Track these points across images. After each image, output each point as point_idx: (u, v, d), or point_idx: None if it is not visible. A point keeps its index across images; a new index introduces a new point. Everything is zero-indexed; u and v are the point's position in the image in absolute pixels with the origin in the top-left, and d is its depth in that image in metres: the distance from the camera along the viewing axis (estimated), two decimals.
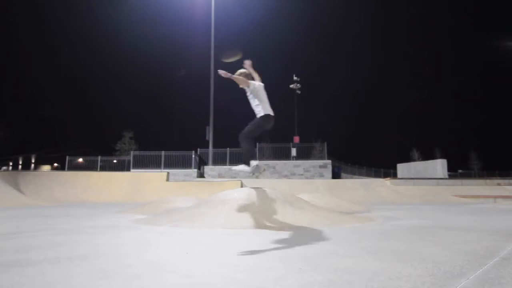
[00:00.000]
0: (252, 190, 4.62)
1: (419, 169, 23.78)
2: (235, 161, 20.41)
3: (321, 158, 21.97)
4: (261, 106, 4.24)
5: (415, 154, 45.05)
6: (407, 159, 40.86)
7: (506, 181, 16.40)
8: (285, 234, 3.25)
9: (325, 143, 21.95)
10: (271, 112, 4.31)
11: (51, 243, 2.76)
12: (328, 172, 19.30)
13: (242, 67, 4.52)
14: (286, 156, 20.72)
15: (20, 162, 53.57)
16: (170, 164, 20.36)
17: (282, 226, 3.74)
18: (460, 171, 42.12)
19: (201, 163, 20.80)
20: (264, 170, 4.46)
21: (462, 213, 6.23)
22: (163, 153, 20.90)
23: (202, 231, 3.49)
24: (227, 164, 20.34)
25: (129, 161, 21.94)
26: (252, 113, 4.35)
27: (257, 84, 4.40)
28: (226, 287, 1.49)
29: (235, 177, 18.43)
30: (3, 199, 9.41)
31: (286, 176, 19.24)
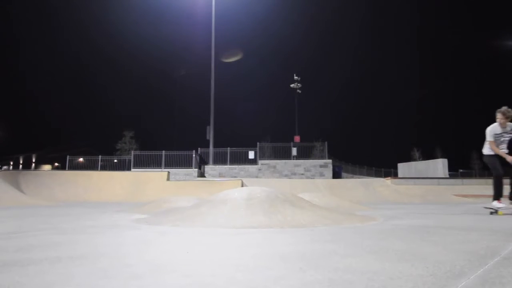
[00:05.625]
0: (253, 189, 4.62)
1: (420, 169, 23.75)
2: (236, 161, 20.44)
3: (322, 157, 21.96)
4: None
5: (416, 154, 45.05)
6: (408, 158, 40.88)
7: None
8: (285, 234, 3.25)
9: (326, 142, 21.94)
10: None
11: (51, 242, 2.76)
12: (329, 171, 19.30)
13: None
14: (286, 155, 20.71)
15: (21, 162, 53.66)
16: (171, 163, 20.37)
17: (282, 226, 3.74)
18: (461, 170, 42.04)
19: (202, 162, 20.82)
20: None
21: (463, 213, 6.23)
22: (163, 152, 20.91)
23: (203, 231, 3.49)
24: (228, 163, 20.35)
25: (129, 161, 21.96)
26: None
27: None
28: (226, 287, 1.49)
29: (235, 177, 18.44)
30: (4, 199, 9.43)
31: (286, 176, 19.24)
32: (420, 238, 2.99)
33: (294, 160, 20.09)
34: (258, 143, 21.13)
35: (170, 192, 11.69)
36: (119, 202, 10.90)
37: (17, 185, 12.38)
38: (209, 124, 20.98)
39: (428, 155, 40.34)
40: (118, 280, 1.60)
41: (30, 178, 13.71)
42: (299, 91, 30.88)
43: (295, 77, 30.80)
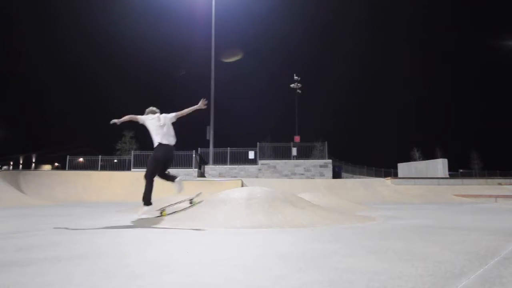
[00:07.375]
0: (253, 189, 4.62)
1: (420, 169, 23.74)
2: (236, 161, 20.44)
3: (322, 157, 21.92)
4: (153, 138, 4.41)
5: (416, 154, 45.04)
6: (408, 158, 40.85)
7: (507, 180, 16.36)
8: (285, 234, 3.24)
9: (326, 142, 21.89)
10: (163, 141, 4.33)
11: (51, 242, 2.76)
12: (329, 171, 19.29)
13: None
14: (286, 155, 20.70)
15: (21, 162, 53.66)
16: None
17: (282, 226, 3.74)
18: (461, 170, 42.04)
19: (202, 162, 20.81)
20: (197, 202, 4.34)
21: (463, 213, 6.23)
22: None
23: (203, 231, 3.49)
24: (228, 163, 20.34)
25: (129, 161, 21.93)
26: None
27: (143, 117, 4.55)
28: (226, 287, 1.49)
29: (235, 177, 18.44)
30: (4, 199, 9.42)
31: (286, 176, 19.23)
32: (420, 238, 2.99)
33: (294, 160, 20.08)
34: (258, 143, 21.11)
35: (170, 192, 11.66)
36: (119, 202, 10.89)
37: (17, 185, 12.37)
38: (209, 124, 20.97)
39: (428, 155, 40.32)
40: (118, 279, 1.60)
41: (30, 178, 13.69)
42: (299, 91, 30.88)
43: (295, 77, 30.80)
